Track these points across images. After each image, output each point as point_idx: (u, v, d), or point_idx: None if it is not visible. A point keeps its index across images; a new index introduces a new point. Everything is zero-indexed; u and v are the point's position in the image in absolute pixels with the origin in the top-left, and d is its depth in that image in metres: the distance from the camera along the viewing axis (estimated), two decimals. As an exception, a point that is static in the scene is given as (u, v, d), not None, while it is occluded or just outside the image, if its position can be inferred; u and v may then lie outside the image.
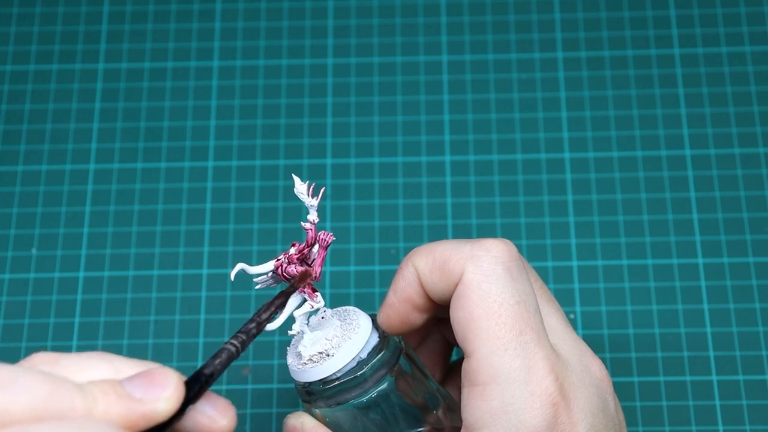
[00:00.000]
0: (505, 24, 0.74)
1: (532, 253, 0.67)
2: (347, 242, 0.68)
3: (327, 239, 0.49)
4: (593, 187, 0.69)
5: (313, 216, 0.49)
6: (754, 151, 0.69)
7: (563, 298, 0.65)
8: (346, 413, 0.49)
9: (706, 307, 0.65)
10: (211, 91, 0.72)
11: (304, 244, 0.49)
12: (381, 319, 0.51)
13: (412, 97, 0.72)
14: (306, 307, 0.49)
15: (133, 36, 0.74)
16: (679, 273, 0.66)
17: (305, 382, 0.49)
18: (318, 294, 0.49)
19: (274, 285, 0.50)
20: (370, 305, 0.65)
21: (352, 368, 0.49)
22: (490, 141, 0.70)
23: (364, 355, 0.49)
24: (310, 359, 0.49)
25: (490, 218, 0.68)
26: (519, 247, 0.65)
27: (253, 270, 0.48)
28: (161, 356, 0.65)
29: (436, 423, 0.51)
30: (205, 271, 0.67)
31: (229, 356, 0.42)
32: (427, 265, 0.49)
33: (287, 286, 0.49)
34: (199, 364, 0.64)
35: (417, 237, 0.68)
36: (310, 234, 0.49)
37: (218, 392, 0.45)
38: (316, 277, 0.49)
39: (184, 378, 0.39)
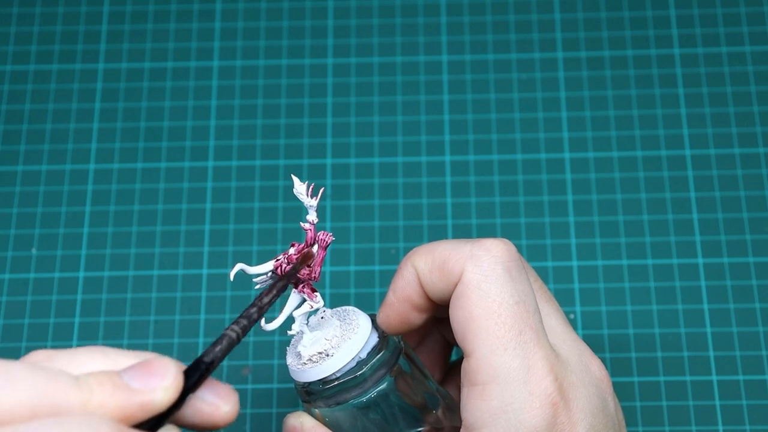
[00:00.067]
0: (505, 24, 0.74)
1: (532, 253, 0.67)
2: (347, 242, 0.68)
3: (326, 239, 0.49)
4: (593, 187, 0.69)
5: (312, 216, 0.49)
6: (754, 151, 0.69)
7: (563, 298, 0.65)
8: (345, 413, 0.49)
9: (706, 307, 0.65)
10: (211, 91, 0.72)
11: (303, 245, 0.49)
12: (380, 319, 0.51)
13: (412, 97, 0.72)
14: (305, 307, 0.49)
15: (133, 36, 0.74)
16: (679, 273, 0.66)
17: (305, 382, 0.49)
18: (317, 294, 0.49)
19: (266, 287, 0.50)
20: (370, 305, 0.65)
21: (351, 368, 0.49)
22: (490, 141, 0.70)
23: (363, 355, 0.49)
24: (310, 359, 0.49)
25: (490, 218, 0.68)
26: (519, 247, 0.66)
27: (252, 270, 0.48)
28: (161, 356, 0.64)
29: (435, 423, 0.51)
30: (205, 271, 0.67)
31: (230, 343, 0.41)
32: (427, 265, 0.49)
33: (289, 269, 0.48)
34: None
35: (417, 237, 0.68)
36: (310, 234, 0.49)
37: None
38: (315, 277, 0.49)
39: (184, 367, 0.39)
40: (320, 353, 0.49)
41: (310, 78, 0.73)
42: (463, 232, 0.67)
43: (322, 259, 0.49)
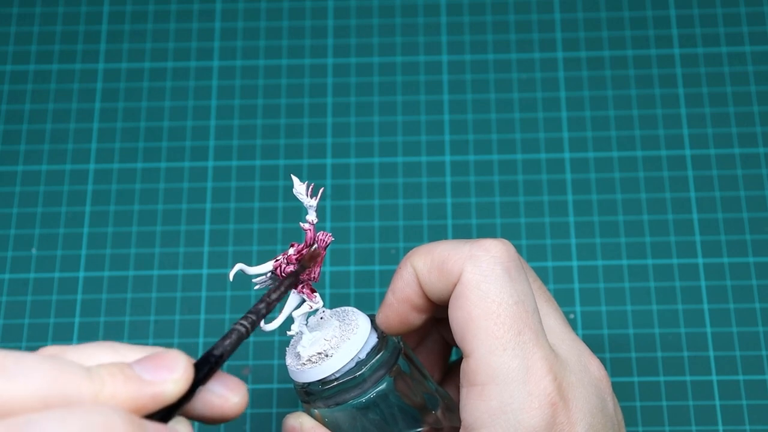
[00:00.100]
0: (505, 24, 0.74)
1: (532, 253, 0.67)
2: (347, 242, 0.68)
3: (326, 240, 0.49)
4: (593, 187, 0.69)
5: (311, 216, 0.49)
6: (754, 151, 0.69)
7: (563, 298, 0.65)
8: (345, 413, 0.49)
9: (706, 307, 0.65)
10: (211, 91, 0.72)
11: (302, 245, 0.49)
12: (380, 319, 0.51)
13: (412, 97, 0.72)
14: (305, 308, 0.49)
15: (133, 36, 0.74)
16: (679, 273, 0.66)
17: (304, 383, 0.49)
18: (317, 294, 0.49)
19: (274, 285, 0.50)
20: (370, 305, 0.65)
21: (350, 369, 0.49)
22: (490, 141, 0.70)
23: (362, 356, 0.49)
24: (309, 360, 0.49)
25: (490, 218, 0.68)
26: (519, 247, 0.66)
27: (251, 270, 0.48)
28: (161, 356, 0.65)
29: (434, 423, 0.51)
30: (205, 271, 0.67)
31: (239, 337, 0.42)
32: (426, 266, 0.49)
33: (297, 266, 0.49)
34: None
35: (417, 237, 0.68)
36: (309, 234, 0.49)
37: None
38: (314, 277, 0.49)
39: (193, 360, 0.39)
40: (319, 354, 0.49)
41: (310, 78, 0.73)
42: (463, 232, 0.67)
43: (322, 259, 0.49)
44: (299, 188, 0.49)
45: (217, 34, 0.74)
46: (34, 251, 0.68)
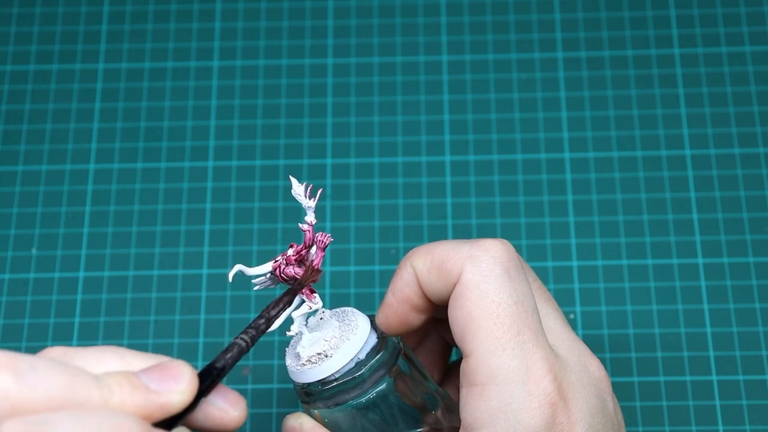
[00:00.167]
0: (505, 24, 0.74)
1: (532, 253, 0.67)
2: (347, 242, 0.68)
3: (325, 240, 0.49)
4: (593, 187, 0.69)
5: (310, 217, 0.49)
6: (754, 151, 0.69)
7: (563, 298, 0.65)
8: (344, 414, 0.49)
9: (706, 307, 0.65)
10: (211, 91, 0.72)
11: (302, 246, 0.49)
12: (379, 319, 0.51)
13: (412, 97, 0.72)
14: (304, 308, 0.49)
15: (133, 36, 0.74)
16: (679, 273, 0.66)
17: (304, 383, 0.50)
18: (316, 295, 0.49)
19: (273, 286, 0.50)
20: (370, 305, 0.65)
21: (350, 369, 0.49)
22: (490, 141, 0.70)
23: (362, 356, 0.49)
24: (309, 360, 0.49)
25: (490, 218, 0.68)
26: (519, 247, 0.66)
27: (251, 271, 0.48)
28: (161, 356, 0.65)
29: (434, 423, 0.51)
30: (205, 271, 0.67)
31: (240, 351, 0.43)
32: (426, 266, 0.49)
33: (294, 283, 0.49)
34: (200, 364, 0.64)
35: (417, 237, 0.68)
36: (308, 235, 0.49)
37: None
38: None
39: (197, 371, 0.40)
40: (319, 354, 0.49)
41: (310, 78, 0.73)
42: (463, 232, 0.67)
43: (321, 260, 0.49)
44: (298, 189, 0.49)
45: (217, 34, 0.74)
46: (34, 251, 0.68)
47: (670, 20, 0.73)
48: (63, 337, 0.65)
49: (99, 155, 0.70)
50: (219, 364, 0.41)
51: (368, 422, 0.50)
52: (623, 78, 0.72)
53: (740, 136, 0.70)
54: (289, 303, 0.48)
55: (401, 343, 0.51)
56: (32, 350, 0.59)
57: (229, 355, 0.42)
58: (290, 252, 0.49)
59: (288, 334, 0.49)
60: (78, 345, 0.65)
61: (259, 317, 0.45)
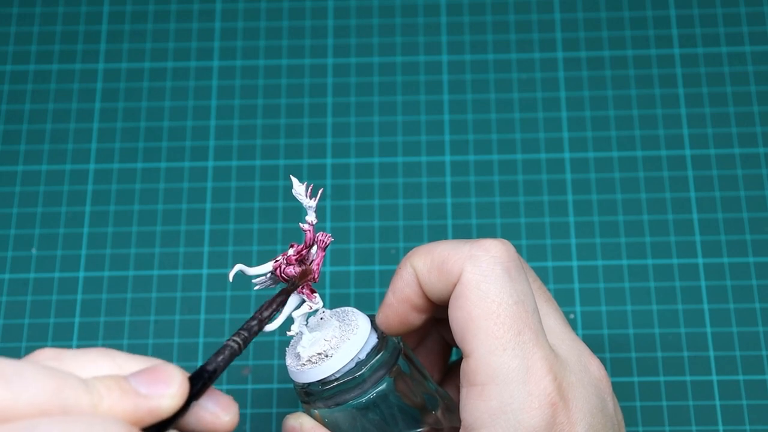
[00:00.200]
0: (505, 24, 0.74)
1: (532, 253, 0.67)
2: (347, 242, 0.68)
3: (325, 240, 0.49)
4: (593, 187, 0.69)
5: (311, 217, 0.49)
6: (754, 151, 0.69)
7: (563, 298, 0.65)
8: (344, 414, 0.49)
9: (706, 307, 0.65)
10: (211, 91, 0.72)
11: (302, 246, 0.49)
12: (379, 319, 0.51)
13: (412, 97, 0.72)
14: (304, 308, 0.49)
15: (133, 36, 0.74)
16: (679, 273, 0.66)
17: (304, 383, 0.49)
18: (316, 295, 0.49)
19: (273, 286, 0.50)
20: (370, 305, 0.65)
21: (350, 369, 0.49)
22: (490, 141, 0.70)
23: (362, 356, 0.49)
24: (309, 360, 0.49)
25: (490, 218, 0.68)
26: (519, 247, 0.66)
27: (251, 271, 0.48)
28: (161, 356, 0.64)
29: (434, 423, 0.51)
30: (205, 271, 0.67)
31: (232, 353, 0.42)
32: (426, 266, 0.49)
33: (288, 284, 0.49)
34: (200, 364, 0.64)
35: (417, 237, 0.68)
36: (309, 235, 0.49)
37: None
38: (314, 278, 0.49)
39: (188, 374, 0.40)
40: (319, 354, 0.49)
41: (310, 78, 0.73)
42: (463, 232, 0.67)
43: (321, 259, 0.49)
44: (298, 189, 0.49)
45: (217, 34, 0.74)
46: (34, 251, 0.68)
47: (670, 20, 0.73)
48: (63, 337, 0.65)
49: (99, 155, 0.70)
50: (210, 367, 0.41)
51: (368, 422, 0.50)
52: (623, 78, 0.72)
53: (740, 136, 0.70)
54: (283, 303, 0.48)
55: (401, 343, 0.51)
56: (32, 350, 0.59)
57: (220, 358, 0.42)
58: (291, 252, 0.49)
59: (288, 334, 0.49)
60: (78, 345, 0.65)
61: (252, 318, 0.45)
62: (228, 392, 0.61)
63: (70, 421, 0.35)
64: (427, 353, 0.56)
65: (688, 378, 0.63)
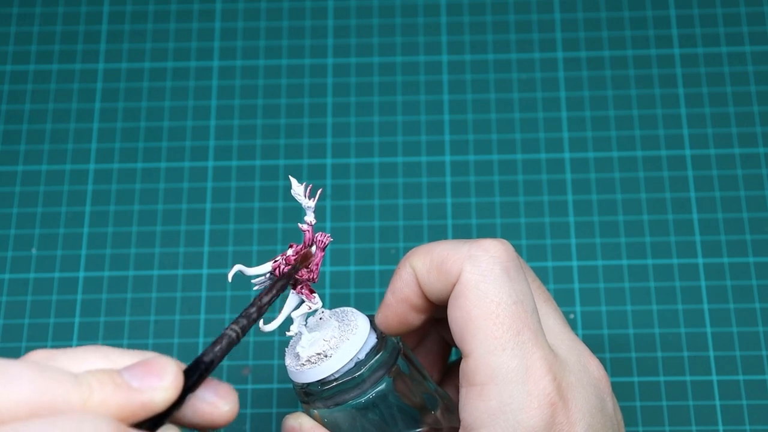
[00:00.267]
0: (505, 24, 0.74)
1: (532, 253, 0.67)
2: (347, 242, 0.68)
3: (324, 240, 0.49)
4: (593, 187, 0.69)
5: (310, 217, 0.49)
6: (754, 151, 0.69)
7: (563, 298, 0.65)
8: (344, 414, 0.49)
9: (706, 307, 0.65)
10: (211, 91, 0.72)
11: (301, 246, 0.49)
12: (379, 319, 0.51)
13: (412, 97, 0.72)
14: (304, 308, 0.49)
15: (133, 36, 0.74)
16: (679, 273, 0.66)
17: (303, 383, 0.49)
18: (316, 295, 0.49)
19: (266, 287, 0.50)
20: (370, 305, 0.65)
21: (350, 369, 0.49)
22: (490, 141, 0.70)
23: (362, 356, 0.49)
24: (308, 360, 0.49)
25: (490, 218, 0.68)
26: (519, 247, 0.66)
27: (250, 271, 0.48)
28: (161, 356, 0.64)
29: (434, 423, 0.51)
30: (205, 271, 0.67)
31: (230, 342, 0.41)
32: (425, 266, 0.49)
33: (288, 269, 0.48)
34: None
35: (417, 237, 0.68)
36: (308, 235, 0.49)
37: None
38: (314, 278, 0.49)
39: (183, 366, 0.39)
40: (319, 354, 0.49)
41: (310, 78, 0.73)
42: (463, 232, 0.67)
43: (321, 259, 0.49)
44: (297, 189, 0.49)
45: (217, 34, 0.74)
46: (34, 251, 0.68)
47: (670, 20, 0.73)
48: (63, 337, 0.65)
49: (99, 155, 0.70)
50: (207, 358, 0.40)
51: (368, 422, 0.50)
52: (623, 78, 0.72)
53: (740, 136, 0.70)
54: (282, 289, 0.47)
55: (401, 343, 0.51)
56: (32, 350, 0.59)
57: (218, 348, 0.41)
58: (290, 252, 0.49)
59: (287, 334, 0.49)
60: (78, 345, 0.65)
61: (251, 305, 0.44)
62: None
63: (54, 423, 0.34)
64: (427, 353, 0.56)
65: (688, 378, 0.63)
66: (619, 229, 0.67)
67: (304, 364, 0.49)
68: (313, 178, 0.69)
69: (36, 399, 0.35)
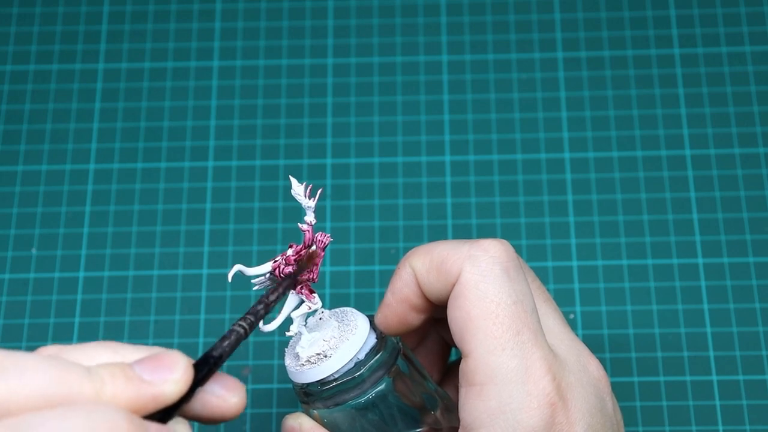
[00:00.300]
0: (505, 24, 0.74)
1: (532, 253, 0.67)
2: (347, 242, 0.68)
3: (324, 240, 0.49)
4: (593, 187, 0.69)
5: (310, 217, 0.49)
6: (754, 151, 0.69)
7: (563, 298, 0.65)
8: (344, 414, 0.49)
9: (706, 307, 0.65)
10: (211, 91, 0.72)
11: (301, 246, 0.49)
12: (378, 319, 0.51)
13: (412, 97, 0.72)
14: (303, 309, 0.49)
15: (133, 36, 0.74)
16: (679, 273, 0.66)
17: (303, 383, 0.49)
18: (315, 295, 0.49)
19: (272, 286, 0.50)
20: (369, 305, 0.65)
21: (349, 369, 0.49)
22: (490, 141, 0.70)
23: (361, 356, 0.49)
24: (308, 360, 0.49)
25: (490, 218, 0.68)
26: (519, 247, 0.66)
27: (250, 271, 0.48)
28: (161, 356, 0.64)
29: (434, 423, 0.51)
30: (205, 271, 0.67)
31: (238, 338, 0.42)
32: (425, 266, 0.49)
33: (295, 267, 0.49)
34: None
35: (417, 237, 0.68)
36: (308, 235, 0.49)
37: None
38: (313, 278, 0.49)
39: (193, 360, 0.39)
40: (318, 354, 0.49)
41: (310, 78, 0.73)
42: (463, 232, 0.67)
43: (320, 260, 0.49)
44: (297, 189, 0.49)
45: (217, 34, 0.74)
46: (34, 251, 0.68)
47: (670, 20, 0.73)
48: (63, 337, 0.65)
49: (99, 155, 0.70)
50: (216, 353, 0.41)
51: (367, 422, 0.50)
52: (623, 78, 0.72)
53: (740, 136, 0.70)
54: (289, 288, 0.48)
55: (400, 344, 0.51)
56: (32, 350, 0.59)
57: (226, 343, 0.41)
58: (290, 252, 0.49)
59: (287, 334, 0.49)
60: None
61: (258, 303, 0.44)
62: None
63: (69, 413, 0.34)
64: (427, 353, 0.56)
65: (688, 378, 0.63)
66: (619, 229, 0.67)
67: (303, 365, 0.49)
68: (313, 178, 0.69)
69: (51, 391, 0.35)
